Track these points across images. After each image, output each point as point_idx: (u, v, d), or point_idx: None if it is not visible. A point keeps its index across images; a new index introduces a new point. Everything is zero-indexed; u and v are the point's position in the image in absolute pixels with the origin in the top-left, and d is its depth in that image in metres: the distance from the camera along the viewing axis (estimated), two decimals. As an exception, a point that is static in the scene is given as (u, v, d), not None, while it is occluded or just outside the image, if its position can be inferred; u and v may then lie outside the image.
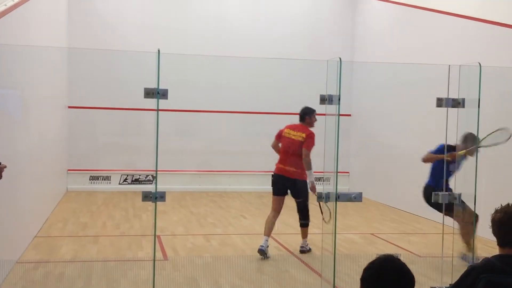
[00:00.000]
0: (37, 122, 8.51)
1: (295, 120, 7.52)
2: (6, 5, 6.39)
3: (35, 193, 8.36)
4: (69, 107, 12.64)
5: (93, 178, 13.00)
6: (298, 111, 7.51)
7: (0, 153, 5.96)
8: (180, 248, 7.71)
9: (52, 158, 10.36)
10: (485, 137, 6.59)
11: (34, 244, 7.68)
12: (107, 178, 13.07)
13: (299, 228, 7.53)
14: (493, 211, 3.40)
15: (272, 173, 7.61)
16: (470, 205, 5.73)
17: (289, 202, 6.94)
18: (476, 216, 6.03)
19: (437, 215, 7.03)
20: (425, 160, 7.10)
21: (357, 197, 5.07)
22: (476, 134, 5.68)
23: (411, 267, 2.46)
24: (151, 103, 4.71)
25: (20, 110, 7.42)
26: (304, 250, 7.52)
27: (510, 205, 3.35)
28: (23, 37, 7.56)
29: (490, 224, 3.38)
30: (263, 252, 7.09)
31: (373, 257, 2.51)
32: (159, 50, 4.73)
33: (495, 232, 3.34)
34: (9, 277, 5.87)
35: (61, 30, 11.80)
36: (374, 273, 2.41)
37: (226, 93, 13.43)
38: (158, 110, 4.74)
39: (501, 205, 3.40)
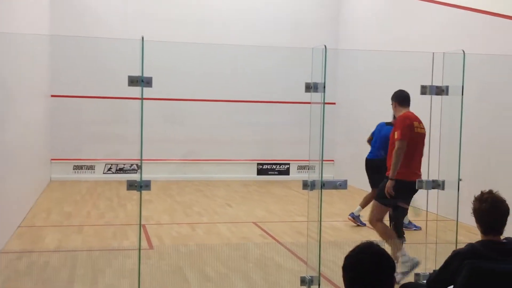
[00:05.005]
0: (19, 112, 8.40)
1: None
2: (-14, -9, 6.27)
3: (18, 183, 8.27)
4: (52, 95, 12.51)
5: (77, 168, 12.91)
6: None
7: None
8: (165, 237, 7.70)
9: (35, 147, 10.26)
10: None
11: (18, 234, 7.62)
12: (91, 167, 12.99)
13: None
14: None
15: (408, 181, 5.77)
16: (454, 192, 5.75)
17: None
18: None
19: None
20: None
21: (342, 185, 5.06)
22: (460, 121, 5.69)
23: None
24: (136, 91, 4.65)
25: (1, 100, 7.32)
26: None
27: (492, 192, 3.37)
28: (4, 24, 7.44)
29: (472, 212, 3.40)
30: None
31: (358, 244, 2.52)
32: (142, 38, 4.68)
33: (479, 221, 3.36)
34: (-7, 267, 5.82)
35: (43, 17, 11.63)
36: (354, 260, 2.43)
37: (211, 81, 13.37)
38: (142, 98, 4.69)
39: (482, 192, 3.41)
